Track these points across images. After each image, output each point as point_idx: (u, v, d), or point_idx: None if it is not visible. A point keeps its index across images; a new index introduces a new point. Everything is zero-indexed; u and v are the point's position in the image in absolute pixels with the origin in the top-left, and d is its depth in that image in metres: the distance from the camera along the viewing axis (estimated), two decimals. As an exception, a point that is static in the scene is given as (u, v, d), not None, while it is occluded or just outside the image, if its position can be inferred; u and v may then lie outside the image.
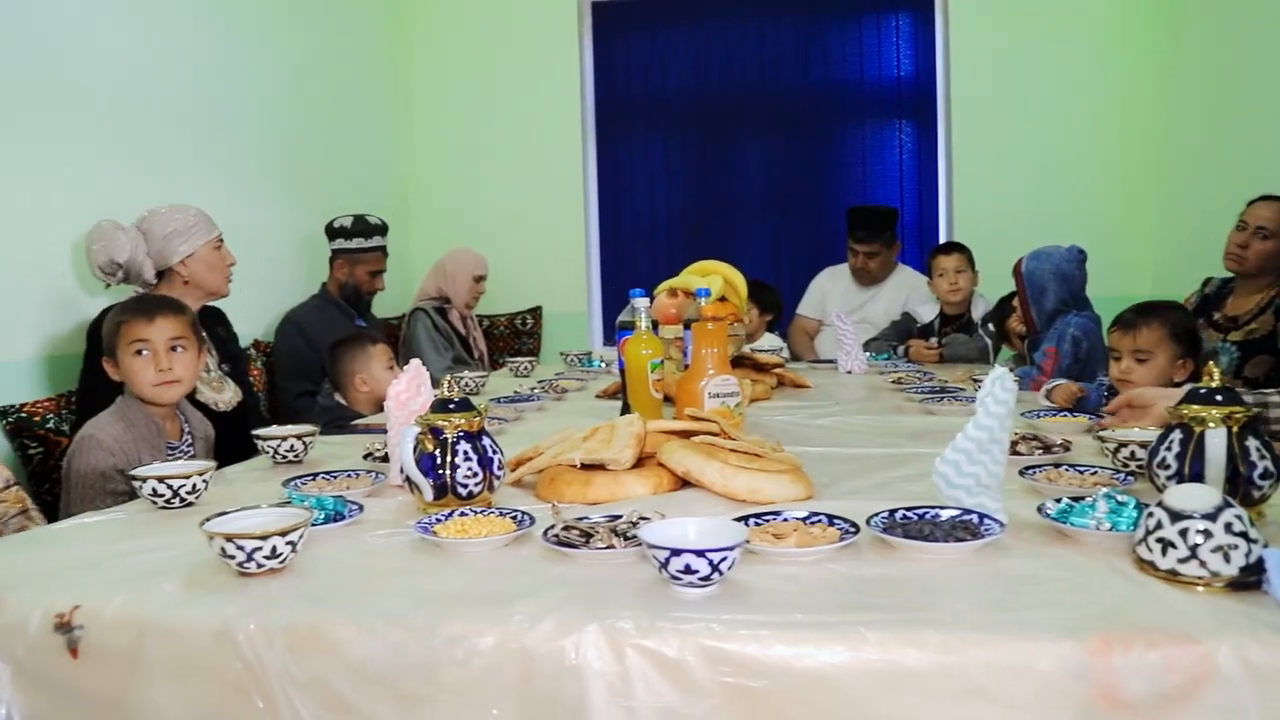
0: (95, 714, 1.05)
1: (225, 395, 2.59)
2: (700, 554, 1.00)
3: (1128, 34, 4.46)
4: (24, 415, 2.38)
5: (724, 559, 1.01)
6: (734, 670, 0.91)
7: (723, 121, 4.93)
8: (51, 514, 2.35)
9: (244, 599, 1.06)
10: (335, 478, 1.61)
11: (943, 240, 4.56)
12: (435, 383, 3.35)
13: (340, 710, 0.97)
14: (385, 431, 2.08)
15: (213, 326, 2.78)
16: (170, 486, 1.45)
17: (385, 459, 1.75)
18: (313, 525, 1.23)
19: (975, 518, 1.22)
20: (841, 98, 4.86)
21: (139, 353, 2.02)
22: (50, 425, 2.42)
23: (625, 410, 1.98)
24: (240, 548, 1.09)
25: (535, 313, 4.79)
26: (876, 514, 1.24)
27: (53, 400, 2.48)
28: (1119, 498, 1.21)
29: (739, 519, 1.21)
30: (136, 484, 1.46)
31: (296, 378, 3.24)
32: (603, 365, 3.39)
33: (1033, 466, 1.53)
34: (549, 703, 0.93)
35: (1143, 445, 1.50)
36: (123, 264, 2.53)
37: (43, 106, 2.56)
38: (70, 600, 1.07)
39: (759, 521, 1.25)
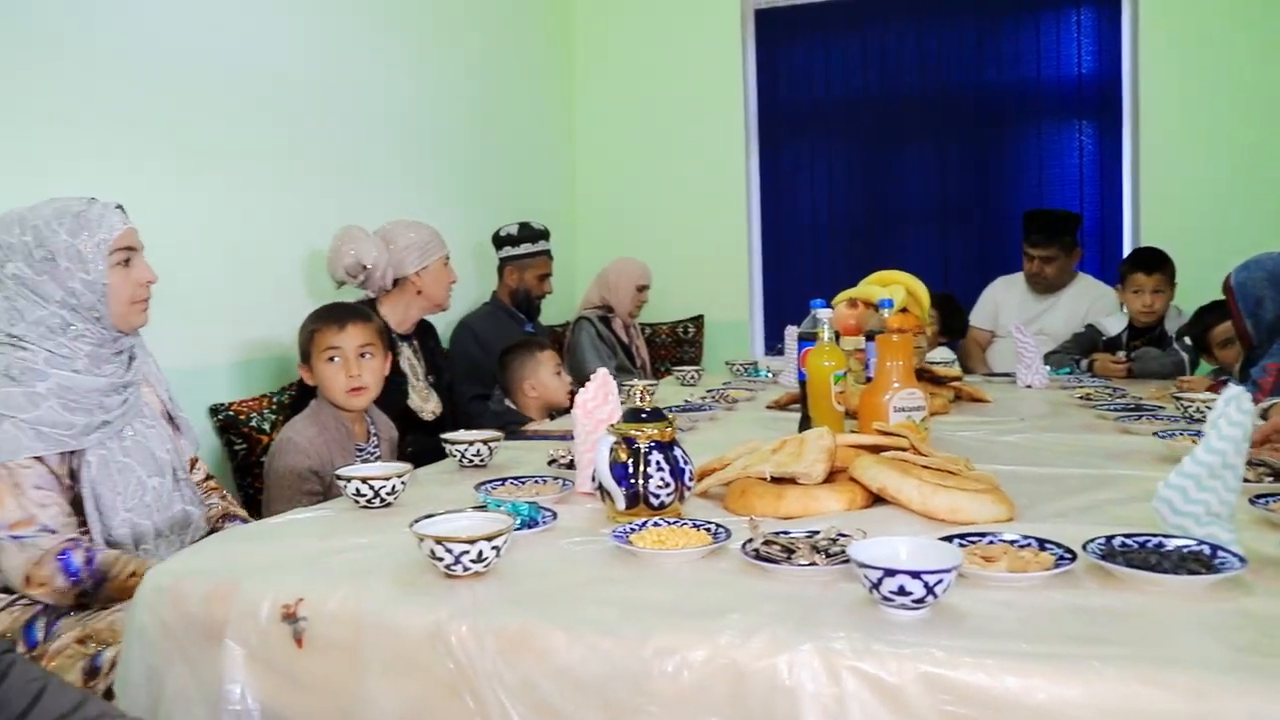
0: (318, 700, 1.10)
1: (430, 405, 2.73)
2: (915, 575, 0.96)
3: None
4: (231, 413, 2.55)
5: (939, 582, 0.97)
6: (957, 700, 0.87)
7: (888, 126, 4.81)
8: (252, 507, 2.53)
9: (454, 601, 1.09)
10: (524, 483, 1.64)
11: (1128, 248, 4.29)
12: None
13: (549, 715, 0.98)
14: (562, 438, 2.13)
15: (424, 338, 2.95)
16: (372, 487, 1.51)
17: (570, 465, 1.78)
18: (511, 530, 1.26)
19: (1208, 549, 1.13)
20: (1016, 98, 4.66)
21: (331, 359, 2.12)
22: (253, 423, 2.59)
23: (805, 422, 1.94)
24: (449, 550, 1.13)
25: (697, 321, 4.80)
26: (1093, 540, 1.17)
27: (255, 400, 2.65)
28: (1380, 533, 1.09)
29: (943, 539, 1.16)
30: (341, 483, 1.53)
31: (471, 381, 3.35)
32: (769, 375, 3.35)
33: (1265, 495, 1.40)
34: (761, 722, 0.92)
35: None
36: (369, 267, 2.72)
37: (244, 124, 2.75)
38: (295, 593, 1.13)
39: (964, 543, 1.20)
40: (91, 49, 2.24)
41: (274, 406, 2.67)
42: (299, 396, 2.49)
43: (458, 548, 1.12)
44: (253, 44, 2.78)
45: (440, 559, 1.13)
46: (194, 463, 1.95)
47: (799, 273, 4.92)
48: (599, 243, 4.83)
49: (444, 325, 3.63)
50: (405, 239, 2.84)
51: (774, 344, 4.79)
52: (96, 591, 1.59)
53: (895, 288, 2.28)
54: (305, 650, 1.11)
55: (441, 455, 1.93)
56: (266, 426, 2.60)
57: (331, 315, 2.18)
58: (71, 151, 2.17)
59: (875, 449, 1.55)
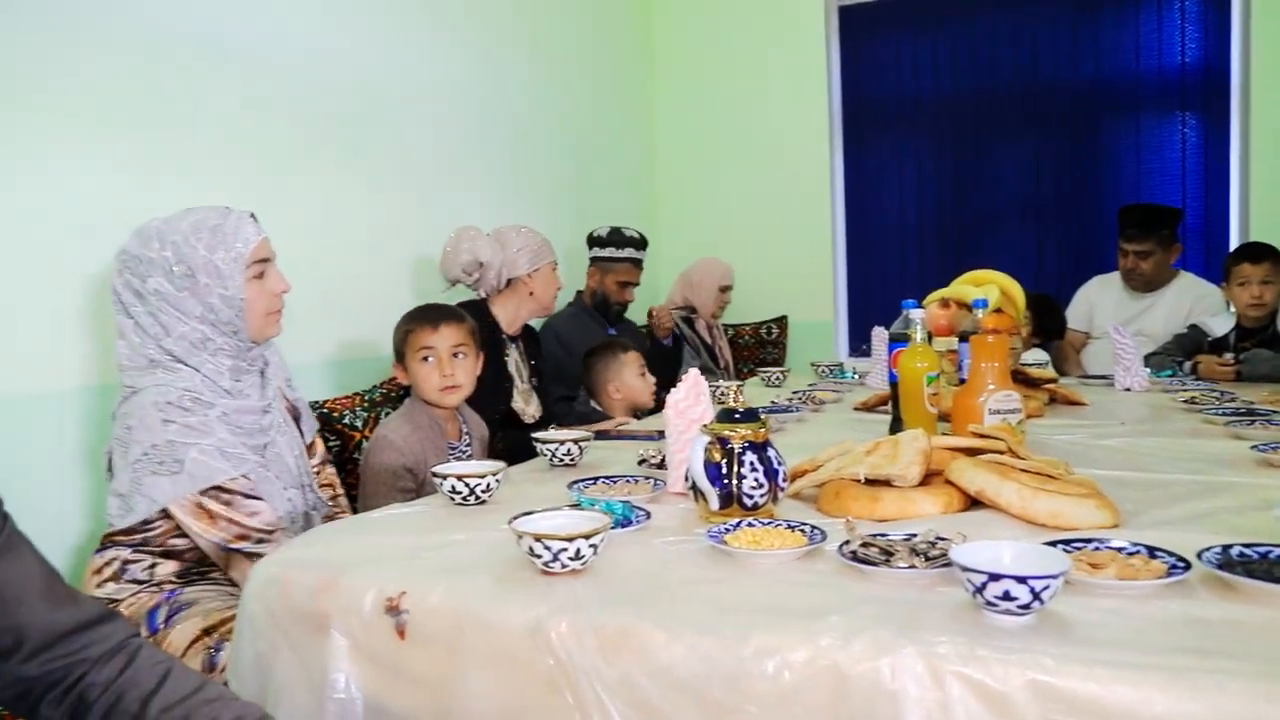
0: (419, 692, 1.13)
1: (531, 408, 2.79)
2: (1021, 580, 0.94)
3: None
4: (325, 410, 2.63)
5: (1046, 588, 0.95)
6: (1067, 709, 0.85)
7: (978, 121, 4.71)
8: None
9: (553, 598, 1.10)
10: (615, 483, 1.65)
11: (1234, 245, 4.11)
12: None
13: (648, 713, 0.99)
14: (650, 438, 2.14)
15: (528, 343, 3.00)
16: (468, 484, 1.54)
17: (660, 465, 1.78)
18: (606, 528, 1.26)
19: (1335, 560, 1.08)
20: (1113, 91, 4.50)
21: (425, 359, 2.16)
22: (346, 421, 2.65)
23: (896, 424, 1.92)
24: (547, 548, 1.14)
25: (780, 322, 4.77)
26: (1208, 549, 1.12)
27: (348, 398, 2.72)
28: None
29: (1047, 544, 1.13)
30: (437, 480, 1.56)
31: (555, 383, 3.38)
32: (855, 377, 3.31)
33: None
34: (862, 726, 0.90)
35: None
36: (484, 264, 2.79)
37: (347, 130, 2.84)
38: (397, 586, 1.16)
39: (1068, 549, 1.16)
40: (206, 53, 2.33)
41: (365, 404, 2.73)
42: (400, 395, 2.58)
43: (556, 545, 1.13)
44: (362, 54, 2.87)
45: (539, 556, 1.15)
46: (312, 447, 2.01)
47: (884, 273, 4.85)
48: (681, 243, 4.83)
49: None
50: (518, 242, 2.92)
51: (859, 345, 4.73)
52: None
53: (989, 287, 2.23)
54: (407, 642, 1.14)
55: (532, 453, 1.95)
56: (359, 424, 2.67)
57: (425, 316, 2.22)
58: (179, 151, 2.25)
59: (971, 452, 1.52)
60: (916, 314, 1.87)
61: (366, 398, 2.76)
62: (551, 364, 3.45)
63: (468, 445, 2.25)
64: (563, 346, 3.44)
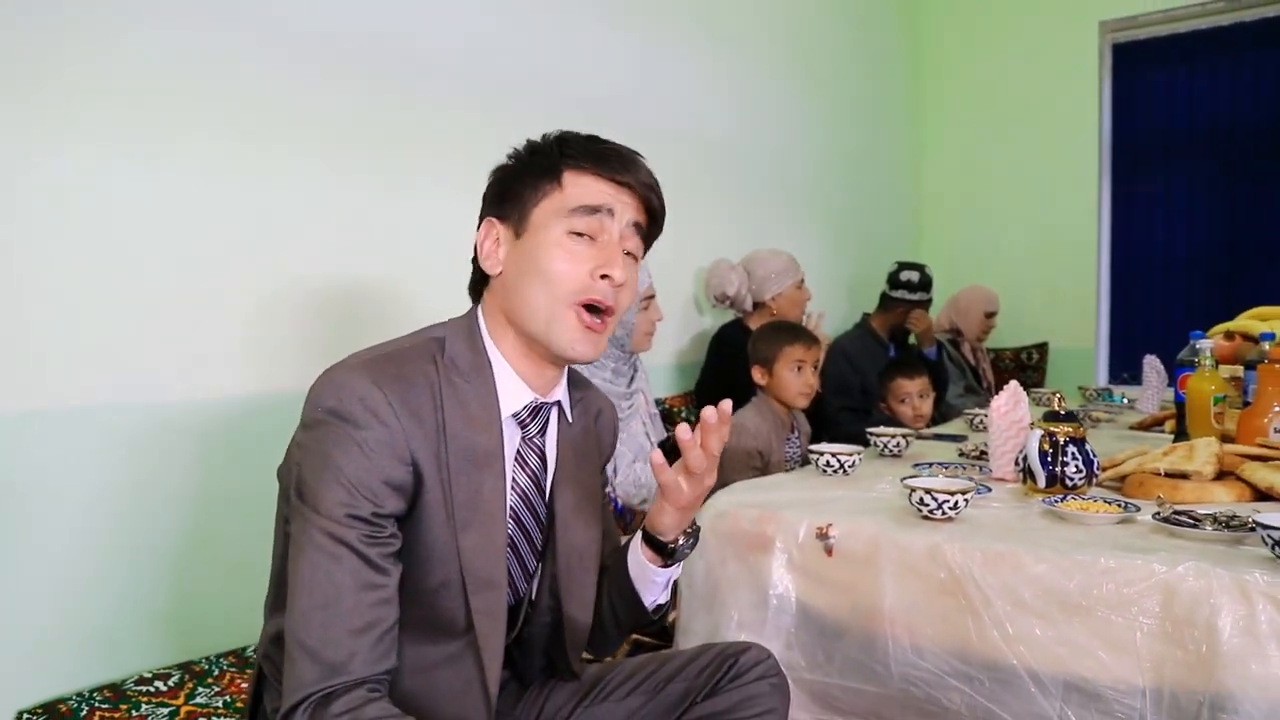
0: (841, 593, 1.63)
1: None
2: (1310, 537, 1.33)
3: None
4: (666, 407, 3.22)
5: (1329, 544, 1.33)
6: (1343, 620, 1.23)
7: (1254, 156, 4.76)
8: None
9: (942, 531, 1.58)
10: (948, 467, 2.10)
11: None
12: (953, 410, 3.76)
13: (1023, 608, 1.44)
14: (954, 439, 2.57)
15: None
16: (839, 461, 2.05)
17: (978, 456, 2.22)
18: (964, 493, 1.72)
19: None
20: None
21: (795, 369, 2.66)
22: (683, 416, 3.24)
23: (1180, 438, 2.25)
24: (934, 499, 1.62)
25: (1041, 348, 5.01)
26: None
27: (681, 396, 3.31)
28: None
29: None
30: (814, 456, 2.08)
31: (840, 395, 3.84)
32: (1124, 401, 3.56)
33: None
34: (1185, 624, 1.32)
35: None
36: (731, 295, 3.32)
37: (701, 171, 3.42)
38: (825, 519, 1.68)
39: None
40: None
41: (694, 403, 3.31)
42: (713, 388, 3.18)
43: (941, 496, 1.61)
44: (672, 97, 3.45)
45: (926, 505, 1.63)
46: None
47: (1149, 304, 4.98)
48: (946, 271, 5.12)
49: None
50: (764, 268, 3.42)
51: (1119, 373, 4.89)
52: None
53: (1277, 322, 2.50)
54: (834, 559, 1.64)
55: None
56: (692, 419, 3.25)
57: (799, 336, 2.71)
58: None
59: (1259, 458, 1.86)
60: (1205, 344, 2.21)
61: (693, 397, 3.35)
62: (836, 378, 3.91)
63: (797, 439, 2.76)
64: (849, 363, 3.89)
